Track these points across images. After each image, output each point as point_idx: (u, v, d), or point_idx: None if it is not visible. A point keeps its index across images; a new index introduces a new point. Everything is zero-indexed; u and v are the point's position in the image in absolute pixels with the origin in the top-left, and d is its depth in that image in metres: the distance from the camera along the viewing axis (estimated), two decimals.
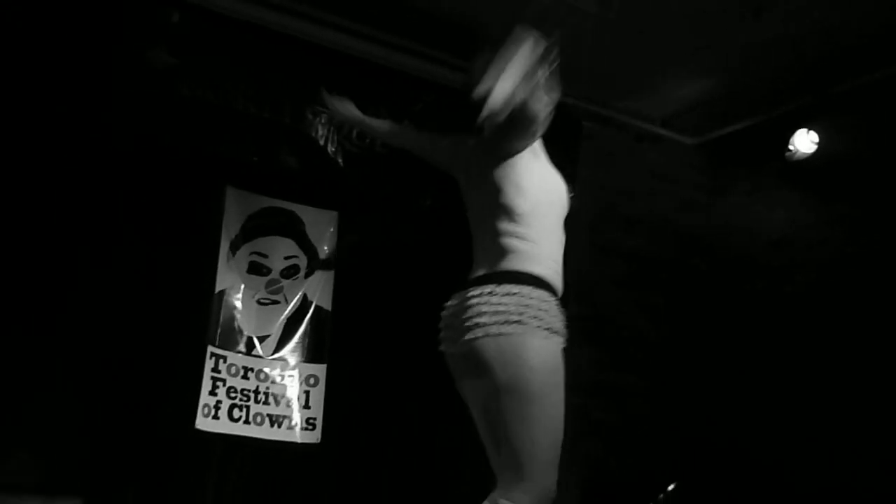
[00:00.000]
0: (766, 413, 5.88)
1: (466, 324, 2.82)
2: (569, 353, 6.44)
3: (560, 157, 6.58)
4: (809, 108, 5.93)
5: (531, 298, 2.76)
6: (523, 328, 2.70)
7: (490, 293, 2.80)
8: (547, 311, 2.75)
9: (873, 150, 5.54)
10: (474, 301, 2.81)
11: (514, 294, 2.77)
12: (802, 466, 5.50)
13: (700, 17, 5.24)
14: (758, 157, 6.43)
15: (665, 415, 6.53)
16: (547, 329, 2.72)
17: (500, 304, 2.75)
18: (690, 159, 7.07)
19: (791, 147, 5.96)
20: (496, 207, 2.98)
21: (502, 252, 2.91)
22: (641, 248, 6.76)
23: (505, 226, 2.94)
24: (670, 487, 5.97)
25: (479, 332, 2.75)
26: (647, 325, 6.71)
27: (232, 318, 5.47)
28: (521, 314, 2.71)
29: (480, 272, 2.96)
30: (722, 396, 6.29)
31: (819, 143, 5.87)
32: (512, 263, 2.88)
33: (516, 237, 2.92)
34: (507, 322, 2.71)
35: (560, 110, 6.57)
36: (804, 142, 5.91)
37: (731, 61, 5.74)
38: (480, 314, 2.76)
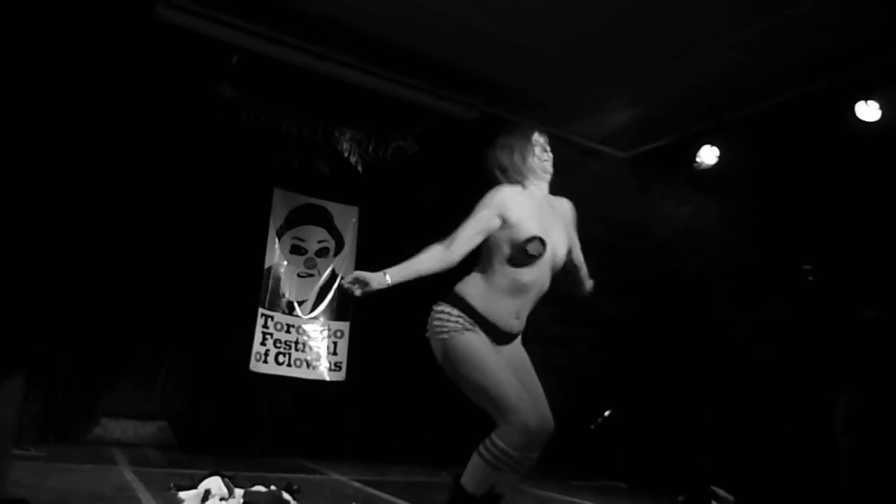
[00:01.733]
0: (678, 359, 6.03)
1: None
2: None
3: None
4: (712, 129, 6.06)
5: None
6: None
7: None
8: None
9: (760, 163, 5.69)
10: None
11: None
12: (707, 401, 5.64)
13: (631, 61, 5.46)
14: (672, 167, 6.51)
15: (604, 359, 6.68)
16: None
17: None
18: (623, 169, 7.21)
19: (698, 159, 6.09)
20: None
21: None
22: (587, 234, 6.81)
23: None
24: (606, 413, 6.08)
25: None
26: (592, 291, 6.85)
27: (277, 287, 5.58)
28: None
29: None
30: (646, 346, 6.44)
31: (720, 156, 6.02)
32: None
33: None
34: None
35: (525, 130, 6.76)
36: (708, 155, 6.05)
37: (654, 94, 5.94)
38: None
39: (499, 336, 2.67)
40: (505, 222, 2.68)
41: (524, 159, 2.85)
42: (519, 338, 2.84)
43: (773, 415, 5.11)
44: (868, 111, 4.79)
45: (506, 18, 5.07)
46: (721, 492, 4.42)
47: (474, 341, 2.59)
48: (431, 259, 2.68)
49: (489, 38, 5.29)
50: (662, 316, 6.40)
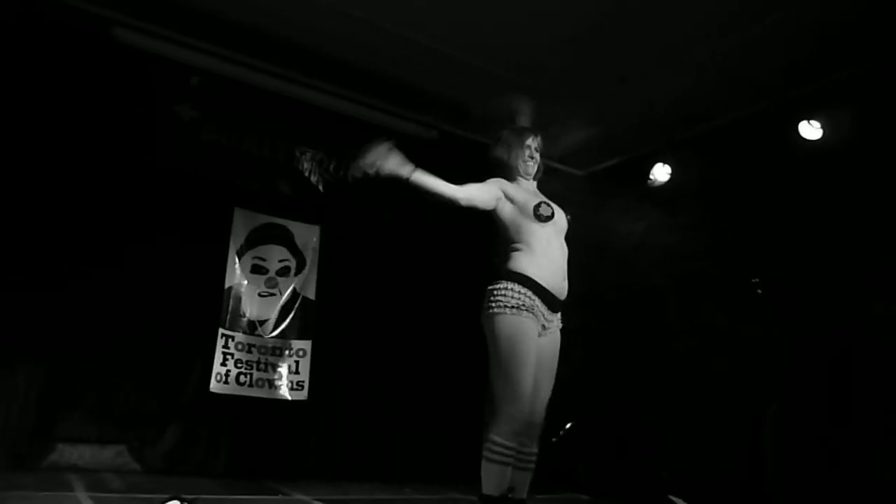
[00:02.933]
0: (636, 372, 6.11)
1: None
2: None
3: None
4: (664, 149, 6.20)
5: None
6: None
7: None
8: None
9: (710, 180, 5.84)
10: None
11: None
12: (665, 412, 5.69)
13: (583, 84, 5.60)
14: (627, 184, 6.63)
15: (564, 372, 6.67)
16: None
17: None
18: (580, 186, 7.31)
19: (651, 177, 6.21)
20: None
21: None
22: None
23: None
24: (567, 426, 6.10)
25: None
26: None
27: (238, 307, 5.50)
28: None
29: None
30: (606, 359, 6.50)
31: (672, 174, 6.16)
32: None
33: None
34: None
35: (484, 150, 6.87)
36: (661, 172, 6.18)
37: (607, 115, 6.08)
38: None
39: (554, 303, 3.00)
40: (510, 200, 3.06)
41: (513, 158, 3.15)
42: (559, 323, 3.13)
43: (727, 425, 5.19)
44: (811, 130, 4.97)
45: (464, 42, 5.17)
46: (679, 501, 4.48)
47: (524, 325, 2.82)
48: (447, 186, 2.96)
49: (448, 60, 5.37)
50: (620, 329, 6.47)
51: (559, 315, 3.13)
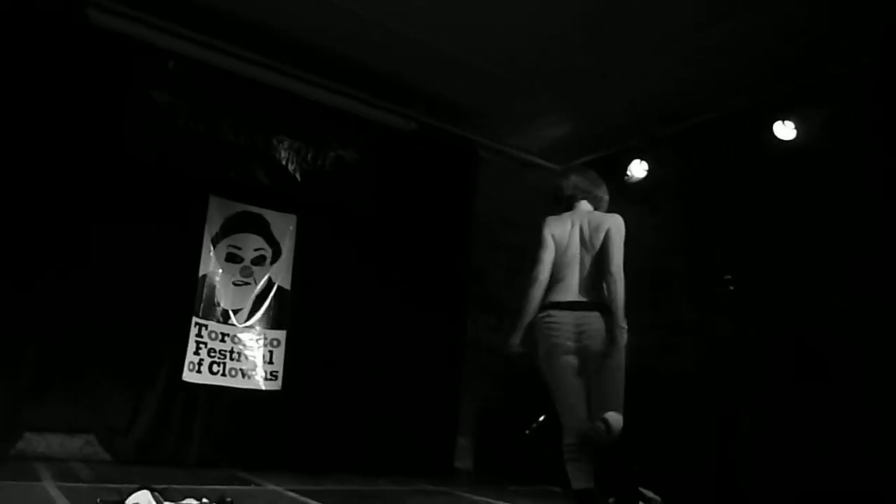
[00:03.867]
0: None
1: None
2: (470, 320, 6.72)
3: (464, 178, 6.92)
4: (641, 146, 6.22)
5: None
6: None
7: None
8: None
9: (685, 178, 5.89)
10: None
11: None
12: (636, 406, 5.65)
13: (562, 79, 5.60)
14: (605, 179, 6.60)
15: (536, 365, 6.72)
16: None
17: None
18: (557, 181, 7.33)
19: (629, 173, 6.22)
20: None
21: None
22: (521, 243, 6.97)
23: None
24: (540, 419, 6.14)
25: None
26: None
27: (212, 295, 5.44)
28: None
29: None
30: None
31: (648, 170, 6.17)
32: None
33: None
34: None
35: (464, 143, 6.90)
36: (638, 169, 6.20)
37: (586, 110, 6.10)
38: None
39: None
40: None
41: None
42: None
43: (697, 419, 5.22)
44: (785, 130, 5.03)
45: (446, 34, 5.14)
46: (649, 493, 4.53)
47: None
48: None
49: (429, 52, 5.35)
50: None
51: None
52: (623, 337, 3.29)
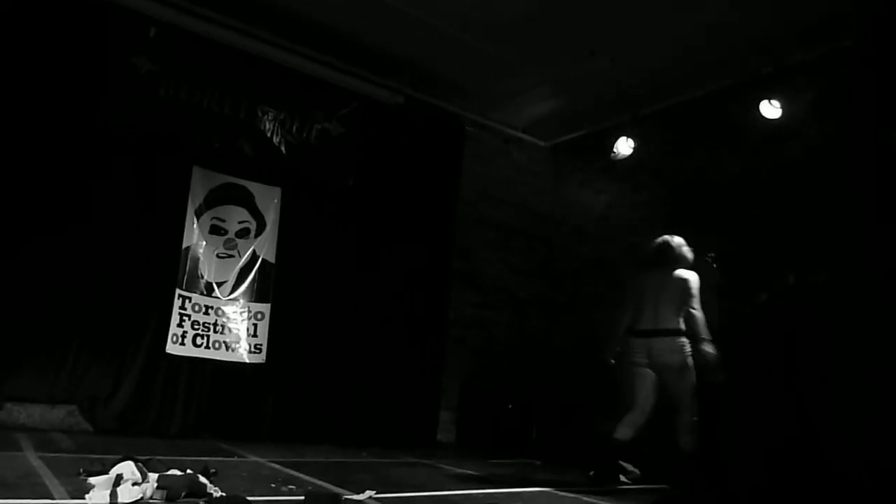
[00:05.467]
0: (589, 341, 5.90)
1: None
2: (454, 296, 6.70)
3: (449, 152, 6.86)
4: (628, 122, 6.17)
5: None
6: None
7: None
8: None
9: (671, 155, 5.87)
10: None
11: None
12: (615, 382, 5.75)
13: (549, 55, 5.55)
14: (590, 157, 6.65)
15: (520, 340, 6.82)
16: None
17: None
18: (543, 157, 7.33)
19: (615, 150, 6.17)
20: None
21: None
22: (506, 221, 7.03)
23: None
24: (522, 395, 6.11)
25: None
26: (508, 276, 7.03)
27: (196, 268, 5.36)
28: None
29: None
30: (560, 331, 6.58)
31: (634, 148, 6.13)
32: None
33: None
34: None
35: (450, 118, 6.83)
36: (624, 146, 6.15)
37: (573, 87, 6.06)
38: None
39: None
40: None
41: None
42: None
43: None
44: (771, 110, 5.02)
45: (433, 7, 5.06)
46: (628, 466, 4.57)
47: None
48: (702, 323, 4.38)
49: (416, 24, 5.27)
50: (574, 300, 6.52)
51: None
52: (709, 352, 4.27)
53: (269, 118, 5.63)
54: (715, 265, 4.82)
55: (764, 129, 5.10)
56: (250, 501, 2.49)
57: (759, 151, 5.17)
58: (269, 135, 5.64)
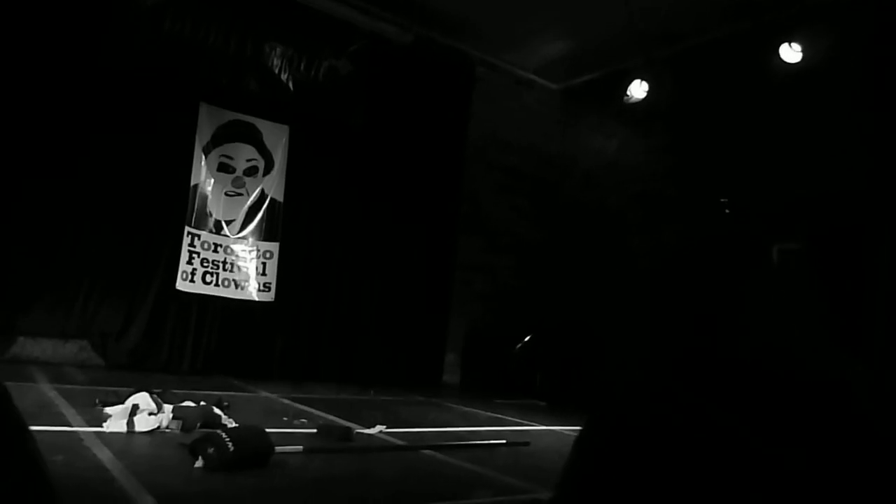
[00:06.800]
0: (594, 287, 6.06)
1: None
2: (461, 240, 6.71)
3: (458, 94, 6.71)
4: (643, 65, 5.96)
5: None
6: None
7: None
8: None
9: (686, 99, 5.70)
10: None
11: None
12: (619, 327, 5.67)
13: None
14: (602, 100, 6.45)
15: (526, 286, 6.80)
16: None
17: None
18: (553, 100, 7.16)
19: (628, 93, 5.98)
20: None
21: None
22: (514, 164, 6.92)
23: None
24: (527, 339, 6.15)
25: None
26: (515, 220, 6.96)
27: (204, 206, 5.32)
28: None
29: None
30: (566, 274, 6.54)
31: (648, 91, 5.93)
32: None
33: None
34: None
35: (460, 58, 6.66)
36: (638, 90, 5.95)
37: (588, 27, 5.85)
38: None
39: None
40: None
41: None
42: None
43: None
44: (791, 53, 4.86)
45: None
46: None
47: None
48: None
49: None
50: (582, 245, 6.48)
51: None
52: None
53: (277, 54, 5.49)
54: (728, 211, 4.76)
55: (783, 73, 4.95)
56: (267, 432, 2.51)
57: (777, 96, 5.03)
58: (276, 71, 5.52)
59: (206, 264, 5.29)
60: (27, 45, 4.49)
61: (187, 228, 5.23)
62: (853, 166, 4.53)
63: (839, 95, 4.66)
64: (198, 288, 5.25)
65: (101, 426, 2.72)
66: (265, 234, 5.56)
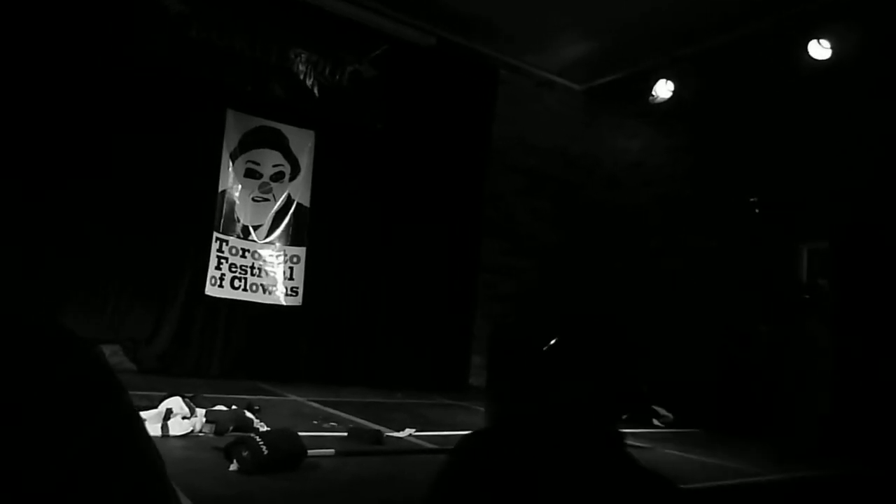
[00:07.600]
0: (621, 287, 6.01)
1: None
2: (484, 242, 6.67)
3: (481, 97, 6.70)
4: (667, 64, 5.95)
5: None
6: None
7: None
8: None
9: (712, 98, 5.65)
10: None
11: None
12: (647, 327, 5.44)
13: None
14: (626, 100, 6.42)
15: (548, 287, 6.77)
16: None
17: None
18: (577, 101, 7.12)
19: (653, 93, 5.96)
20: None
21: None
22: (537, 166, 6.88)
23: None
24: (552, 342, 6.13)
25: None
26: (538, 223, 6.92)
27: (232, 211, 5.36)
28: None
29: None
30: (591, 274, 6.46)
31: (674, 91, 5.92)
32: None
33: None
34: None
35: (483, 61, 6.64)
36: (663, 89, 5.94)
37: (610, 26, 5.80)
38: None
39: None
40: None
41: None
42: None
43: (705, 340, 5.26)
44: (820, 50, 4.78)
45: None
46: (661, 410, 4.57)
47: None
48: None
49: None
50: (607, 246, 6.43)
51: None
52: None
53: (302, 60, 5.52)
54: (757, 210, 4.69)
55: (811, 70, 4.87)
56: (299, 435, 2.52)
57: (806, 94, 4.94)
58: (301, 77, 5.54)
59: (234, 269, 5.33)
60: (53, 51, 4.54)
61: (215, 234, 5.27)
62: (884, 163, 4.44)
63: (868, 91, 4.58)
64: (226, 293, 5.28)
65: None
66: (292, 238, 5.58)
